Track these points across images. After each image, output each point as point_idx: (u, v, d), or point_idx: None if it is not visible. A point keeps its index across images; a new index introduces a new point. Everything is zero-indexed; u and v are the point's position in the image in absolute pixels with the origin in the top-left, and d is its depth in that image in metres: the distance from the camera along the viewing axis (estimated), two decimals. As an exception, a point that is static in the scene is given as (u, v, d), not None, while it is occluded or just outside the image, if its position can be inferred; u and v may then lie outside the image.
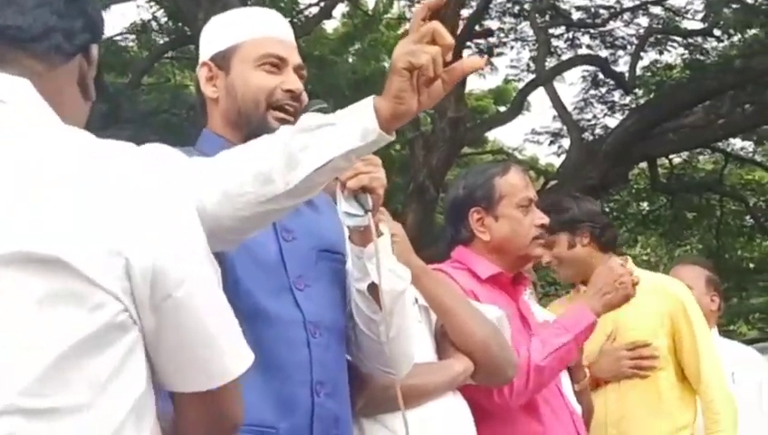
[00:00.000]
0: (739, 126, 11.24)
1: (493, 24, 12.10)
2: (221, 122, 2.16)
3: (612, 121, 12.02)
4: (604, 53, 12.07)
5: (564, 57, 12.12)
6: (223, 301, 1.44)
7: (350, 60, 13.55)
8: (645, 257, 16.91)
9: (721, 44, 11.69)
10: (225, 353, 1.42)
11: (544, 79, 11.09)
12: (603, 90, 12.45)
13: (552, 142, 13.16)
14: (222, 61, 2.15)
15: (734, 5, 9.98)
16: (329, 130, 1.69)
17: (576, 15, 12.14)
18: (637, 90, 12.08)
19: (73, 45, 1.49)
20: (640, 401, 3.50)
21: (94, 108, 1.59)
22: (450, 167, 10.24)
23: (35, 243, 1.25)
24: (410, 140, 9.81)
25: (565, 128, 11.90)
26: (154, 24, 12.21)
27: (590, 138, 11.92)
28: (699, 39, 11.79)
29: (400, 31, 13.11)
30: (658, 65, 12.27)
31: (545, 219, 2.97)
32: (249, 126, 2.07)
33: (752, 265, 15.02)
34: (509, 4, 12.09)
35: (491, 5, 11.45)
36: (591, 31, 12.13)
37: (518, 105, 11.45)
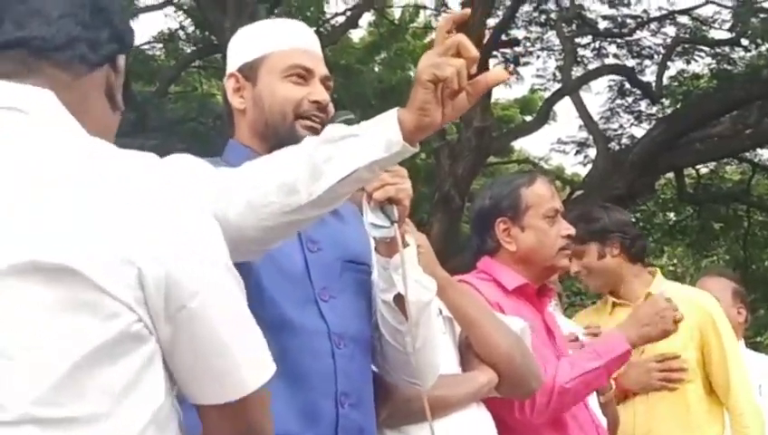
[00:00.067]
0: (767, 136, 11.16)
1: (519, 33, 12.10)
2: (248, 133, 2.16)
3: (639, 131, 11.96)
4: (631, 63, 12.03)
5: (591, 67, 12.08)
6: (242, 312, 1.43)
7: (377, 69, 13.59)
8: (671, 268, 16.81)
9: (748, 54, 11.61)
10: (242, 366, 1.40)
11: (570, 88, 11.06)
12: (630, 99, 12.40)
13: (578, 152, 13.11)
14: (249, 72, 2.15)
15: (761, 15, 9.91)
16: (353, 142, 1.69)
17: (602, 25, 12.12)
18: (663, 99, 12.02)
19: (99, 55, 1.49)
20: (669, 414, 3.48)
21: (122, 116, 1.60)
22: (476, 176, 10.24)
23: (44, 251, 1.25)
24: (436, 149, 9.82)
25: (591, 137, 11.85)
26: (181, 33, 12.29)
27: (617, 148, 11.86)
28: (727, 49, 11.71)
29: (426, 40, 13.13)
30: (685, 75, 12.19)
31: (571, 230, 2.96)
32: (276, 137, 2.07)
33: (779, 277, 14.89)
34: (535, 14, 12.07)
35: (517, 15, 11.44)
36: (618, 40, 12.09)
37: (544, 115, 11.42)
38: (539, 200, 2.93)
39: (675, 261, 17.77)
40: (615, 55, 12.10)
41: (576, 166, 14.22)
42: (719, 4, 11.59)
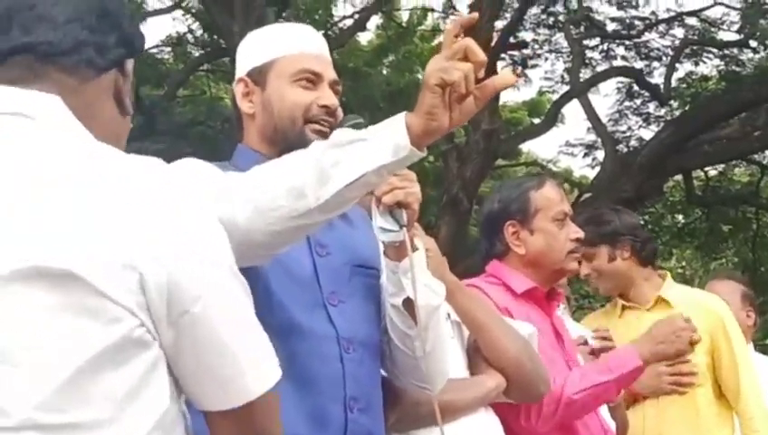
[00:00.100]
0: (775, 138, 11.14)
1: (527, 35, 12.10)
2: (257, 138, 2.16)
3: (647, 133, 11.96)
4: (639, 65, 12.02)
5: (599, 69, 12.08)
6: (247, 316, 1.41)
7: (385, 72, 13.60)
8: (680, 270, 16.79)
9: (757, 56, 11.60)
10: (246, 371, 1.39)
11: (579, 91, 11.05)
12: (638, 101, 12.40)
13: (586, 154, 13.11)
14: (258, 76, 2.15)
15: (770, 17, 9.91)
16: (360, 146, 1.69)
17: (611, 27, 12.11)
18: (672, 101, 12.01)
19: (106, 60, 1.49)
20: (678, 418, 3.47)
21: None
22: (484, 179, 10.24)
23: (46, 256, 1.24)
24: (444, 151, 9.82)
25: (600, 140, 11.84)
26: (189, 36, 12.32)
27: (625, 150, 11.85)
28: (735, 50, 11.70)
29: (434, 42, 13.13)
30: (694, 77, 12.18)
31: (580, 233, 2.95)
32: (285, 141, 2.07)
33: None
34: (543, 16, 12.07)
35: (525, 17, 11.44)
36: (626, 42, 12.08)
37: (552, 117, 11.42)
38: (548, 204, 2.92)
39: (683, 263, 17.75)
40: (623, 57, 12.10)
41: (584, 168, 14.24)
42: (728, 6, 11.59)
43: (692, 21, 11.98)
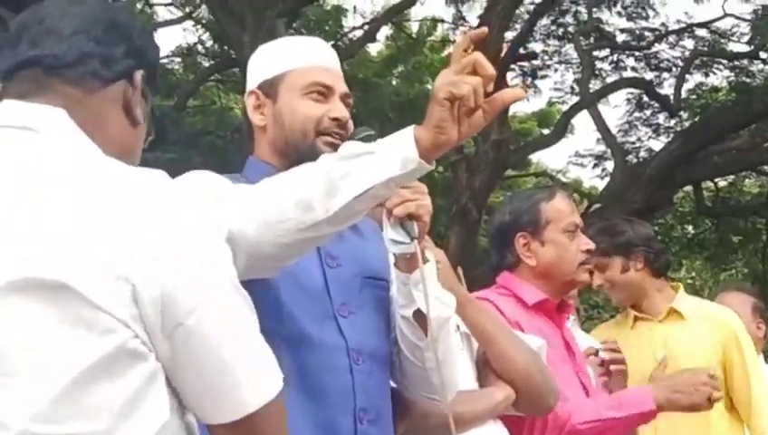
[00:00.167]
0: (786, 149, 11.12)
1: (537, 46, 12.12)
2: (268, 150, 2.16)
3: (657, 144, 11.97)
4: (649, 76, 12.05)
5: (609, 80, 12.10)
6: (245, 328, 1.40)
7: (394, 82, 13.64)
8: (690, 281, 16.76)
9: (767, 67, 11.59)
10: (243, 384, 1.37)
11: (588, 101, 11.06)
12: (648, 112, 12.41)
13: (595, 165, 13.13)
14: (269, 89, 2.15)
15: (780, 28, 9.90)
16: (369, 159, 1.70)
17: (620, 38, 12.13)
18: (682, 112, 12.01)
19: (113, 71, 1.50)
20: (690, 430, 3.45)
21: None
22: (493, 189, 10.25)
23: (40, 268, 1.24)
24: (453, 162, 9.82)
25: (609, 151, 11.85)
26: (200, 47, 12.36)
27: (635, 161, 11.86)
28: (745, 61, 11.71)
29: (444, 53, 13.15)
30: (704, 88, 12.19)
31: (591, 245, 2.95)
32: (297, 154, 2.07)
33: (798, 291, 14.80)
34: (553, 27, 12.09)
35: (535, 28, 11.46)
36: (636, 53, 12.10)
37: (562, 128, 11.42)
38: (559, 215, 2.92)
39: (693, 274, 17.72)
40: (633, 68, 12.12)
41: (594, 179, 14.29)
42: (738, 17, 11.60)
43: (702, 32, 12.02)
